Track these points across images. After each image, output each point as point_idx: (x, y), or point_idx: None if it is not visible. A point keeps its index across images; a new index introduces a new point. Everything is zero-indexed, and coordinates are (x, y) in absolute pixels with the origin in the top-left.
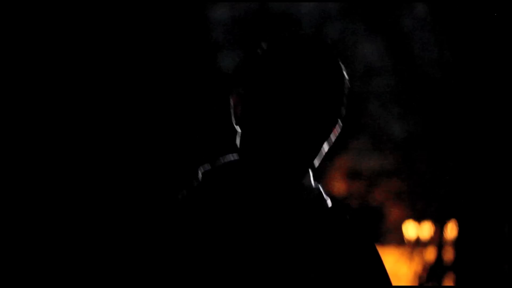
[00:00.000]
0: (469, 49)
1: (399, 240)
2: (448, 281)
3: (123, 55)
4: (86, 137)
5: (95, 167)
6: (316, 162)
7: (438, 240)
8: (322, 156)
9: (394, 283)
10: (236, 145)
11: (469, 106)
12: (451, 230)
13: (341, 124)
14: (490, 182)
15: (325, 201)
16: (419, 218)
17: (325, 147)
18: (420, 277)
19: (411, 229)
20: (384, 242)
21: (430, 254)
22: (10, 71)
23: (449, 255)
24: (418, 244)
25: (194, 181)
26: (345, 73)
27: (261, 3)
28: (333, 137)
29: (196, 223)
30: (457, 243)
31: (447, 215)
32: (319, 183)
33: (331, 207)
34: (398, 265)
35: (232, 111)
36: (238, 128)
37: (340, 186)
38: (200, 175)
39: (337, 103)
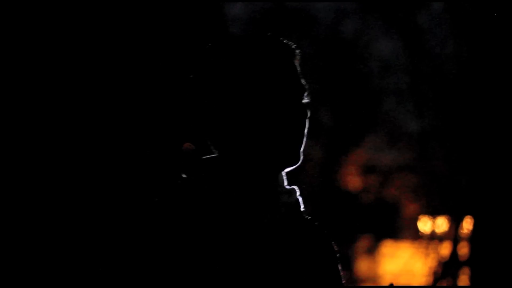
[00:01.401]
0: (486, 45)
1: (414, 235)
2: (463, 276)
3: (137, 52)
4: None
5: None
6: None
7: (453, 235)
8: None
9: (409, 279)
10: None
11: (485, 102)
12: (466, 225)
13: (308, 115)
14: (506, 177)
15: (299, 205)
16: (434, 213)
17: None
18: (435, 273)
19: (426, 224)
20: (399, 237)
21: (445, 250)
22: (10, 71)
23: (464, 250)
24: (433, 239)
25: (172, 184)
26: (297, 56)
27: (277, 0)
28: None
29: (175, 225)
30: (472, 238)
31: (463, 210)
32: (294, 185)
33: (303, 209)
34: (413, 260)
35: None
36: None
37: (355, 181)
38: (180, 177)
39: (289, 86)
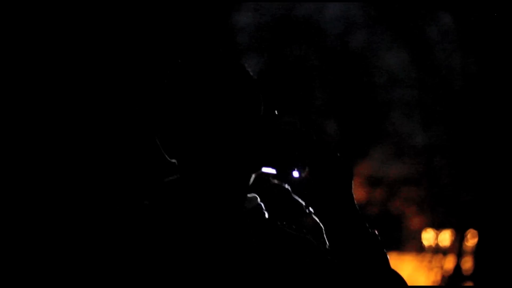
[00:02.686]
0: (494, 60)
1: (418, 248)
2: None
3: (145, 58)
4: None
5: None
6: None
7: (457, 249)
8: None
9: None
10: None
11: (492, 116)
12: (470, 239)
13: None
14: (511, 191)
15: (263, 211)
16: (438, 227)
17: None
18: (438, 286)
19: (431, 238)
20: (403, 250)
21: (449, 263)
22: (10, 71)
23: (468, 264)
24: (437, 252)
25: (142, 200)
26: (251, 73)
27: (285, 8)
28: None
29: (144, 240)
30: (477, 252)
31: (467, 224)
32: (257, 194)
33: (268, 218)
34: (416, 273)
35: (162, 149)
36: (173, 161)
37: (360, 193)
38: (148, 194)
39: (251, 105)
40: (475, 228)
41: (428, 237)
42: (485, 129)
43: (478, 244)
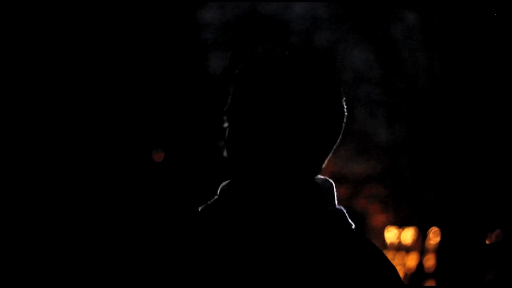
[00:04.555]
0: (458, 58)
1: (381, 245)
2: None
3: (113, 55)
4: (79, 139)
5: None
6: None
7: (420, 246)
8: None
9: None
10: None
11: (455, 114)
12: (433, 237)
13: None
14: (473, 190)
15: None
16: (402, 224)
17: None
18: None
19: (393, 235)
20: None
21: (412, 261)
22: (10, 71)
23: (430, 262)
24: (400, 250)
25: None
26: (337, 84)
27: (251, 5)
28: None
29: (211, 240)
30: (439, 250)
31: (430, 222)
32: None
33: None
34: None
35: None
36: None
37: None
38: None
39: (322, 116)
40: (437, 226)
41: (391, 234)
42: (448, 128)
43: (441, 242)
